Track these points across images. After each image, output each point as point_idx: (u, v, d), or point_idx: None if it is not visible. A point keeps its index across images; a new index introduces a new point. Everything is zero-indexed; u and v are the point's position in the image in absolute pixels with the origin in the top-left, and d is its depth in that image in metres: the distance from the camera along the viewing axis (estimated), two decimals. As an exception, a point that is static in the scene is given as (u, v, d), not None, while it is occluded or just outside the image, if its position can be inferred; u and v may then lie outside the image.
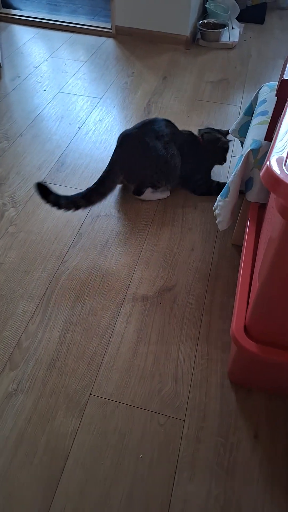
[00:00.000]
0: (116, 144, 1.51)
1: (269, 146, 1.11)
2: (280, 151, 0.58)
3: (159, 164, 1.46)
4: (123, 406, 1.04)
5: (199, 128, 1.65)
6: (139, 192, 1.55)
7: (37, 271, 1.33)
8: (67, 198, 1.38)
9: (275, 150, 0.57)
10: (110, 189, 1.47)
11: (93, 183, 1.42)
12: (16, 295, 1.26)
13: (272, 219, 0.78)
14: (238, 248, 1.43)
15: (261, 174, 0.56)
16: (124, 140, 1.47)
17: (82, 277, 1.32)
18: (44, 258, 1.37)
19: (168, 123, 1.53)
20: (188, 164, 1.56)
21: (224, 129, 1.65)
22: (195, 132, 1.63)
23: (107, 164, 1.46)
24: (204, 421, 1.02)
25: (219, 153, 1.59)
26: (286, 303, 0.77)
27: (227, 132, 1.61)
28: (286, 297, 0.76)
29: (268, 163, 0.54)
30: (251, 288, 0.96)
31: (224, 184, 1.61)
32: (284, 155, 0.57)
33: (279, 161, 0.54)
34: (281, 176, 0.51)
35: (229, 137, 1.62)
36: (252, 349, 0.86)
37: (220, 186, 1.60)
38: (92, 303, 1.25)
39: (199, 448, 0.97)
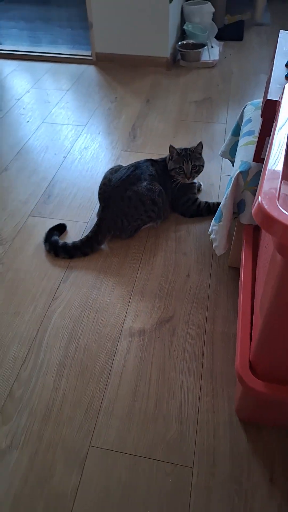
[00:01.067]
0: (99, 200, 1.50)
1: (258, 167, 1.07)
2: (271, 183, 0.53)
3: (147, 207, 1.43)
4: (126, 457, 0.96)
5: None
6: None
7: (27, 311, 1.27)
8: (51, 244, 1.43)
9: (265, 185, 0.52)
10: (93, 251, 1.44)
11: (81, 213, 1.39)
12: (6, 340, 1.19)
13: (268, 249, 0.73)
14: (235, 270, 1.38)
15: (252, 211, 0.51)
16: (107, 201, 1.44)
17: (75, 314, 1.26)
18: (34, 296, 1.31)
19: (149, 161, 1.51)
20: (172, 189, 1.53)
21: (213, 149, 1.61)
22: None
23: (94, 193, 1.43)
24: (214, 466, 0.94)
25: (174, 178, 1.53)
26: (292, 338, 0.71)
27: (194, 150, 1.52)
28: (291, 333, 0.70)
29: (259, 199, 0.50)
30: (253, 320, 0.90)
31: (214, 203, 1.57)
32: (276, 187, 0.52)
33: (271, 197, 0.49)
34: (275, 215, 0.46)
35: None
36: (259, 388, 0.80)
37: (209, 206, 1.56)
38: (87, 342, 1.18)
39: (211, 498, 0.89)
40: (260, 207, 0.48)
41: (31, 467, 0.95)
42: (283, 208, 0.51)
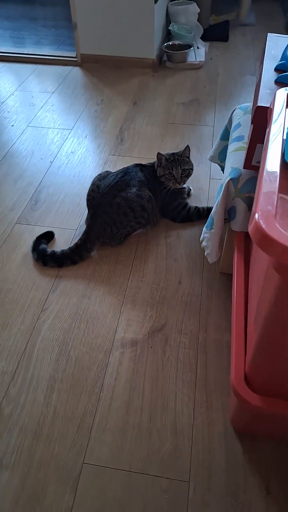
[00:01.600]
0: (87, 207, 1.48)
1: (249, 174, 1.06)
2: (268, 199, 0.51)
3: (136, 214, 1.40)
4: (121, 473, 0.94)
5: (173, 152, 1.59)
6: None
7: (15, 323, 1.23)
8: (39, 253, 1.40)
9: (262, 201, 0.50)
10: (82, 259, 1.41)
11: (69, 220, 1.36)
12: (-6, 354, 1.15)
13: (261, 260, 0.71)
14: (227, 276, 1.36)
15: (249, 229, 0.49)
16: (96, 208, 1.41)
17: (64, 325, 1.23)
18: (22, 307, 1.27)
19: (138, 167, 1.49)
20: (162, 195, 1.51)
21: (201, 152, 1.60)
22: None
23: (82, 198, 1.40)
24: (210, 480, 0.92)
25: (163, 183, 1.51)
26: (287, 352, 0.70)
27: (182, 154, 1.50)
28: (286, 348, 0.68)
29: (256, 217, 0.48)
30: (247, 332, 0.89)
31: (204, 208, 1.55)
32: (273, 203, 0.50)
33: (268, 215, 0.47)
34: (274, 236, 0.45)
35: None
36: (255, 402, 0.78)
37: (199, 211, 1.54)
38: (78, 354, 1.15)
39: (208, 514, 0.88)
40: (258, 227, 0.47)
41: (22, 487, 0.92)
42: (280, 225, 0.49)
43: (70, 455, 0.96)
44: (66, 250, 1.39)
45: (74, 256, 1.39)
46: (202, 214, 1.54)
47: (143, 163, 1.55)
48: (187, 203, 1.56)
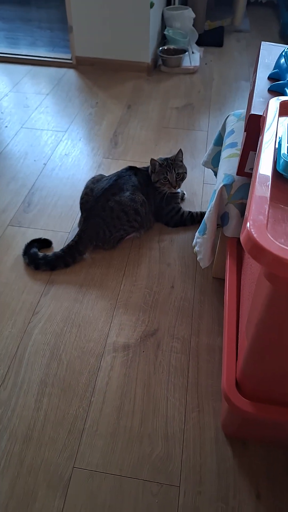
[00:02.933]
0: (80, 210, 1.48)
1: (242, 181, 1.07)
2: (260, 208, 0.52)
3: (130, 217, 1.41)
4: (111, 477, 0.94)
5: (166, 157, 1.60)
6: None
7: (6, 327, 1.22)
8: (30, 256, 1.39)
9: (254, 210, 0.50)
10: (75, 261, 1.41)
11: (62, 222, 1.35)
12: (-15, 358, 1.15)
13: (253, 266, 0.72)
14: (219, 281, 1.37)
15: (241, 238, 0.50)
16: (89, 212, 1.41)
17: (56, 329, 1.22)
18: (13, 311, 1.27)
19: (132, 170, 1.49)
20: (156, 199, 1.52)
21: (195, 157, 1.61)
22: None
23: (75, 201, 1.40)
24: (201, 485, 0.93)
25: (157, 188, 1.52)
26: (278, 360, 0.70)
27: (175, 159, 1.52)
28: (276, 355, 0.69)
29: (248, 226, 0.48)
30: (239, 337, 0.89)
31: (197, 213, 1.56)
32: (265, 213, 0.51)
33: (260, 224, 0.48)
34: (265, 245, 0.45)
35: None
36: (246, 408, 0.79)
37: (193, 215, 1.55)
38: (69, 359, 1.15)
39: (198, 519, 0.88)
40: (249, 236, 0.47)
41: (12, 492, 0.91)
42: (271, 234, 0.50)
43: (61, 459, 0.96)
44: (59, 251, 1.39)
45: (66, 258, 1.39)
46: (196, 219, 1.55)
47: (138, 166, 1.55)
48: (180, 208, 1.57)
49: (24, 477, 0.93)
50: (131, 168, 1.51)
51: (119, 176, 1.46)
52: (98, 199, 1.40)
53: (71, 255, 1.39)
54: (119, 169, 1.53)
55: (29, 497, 0.91)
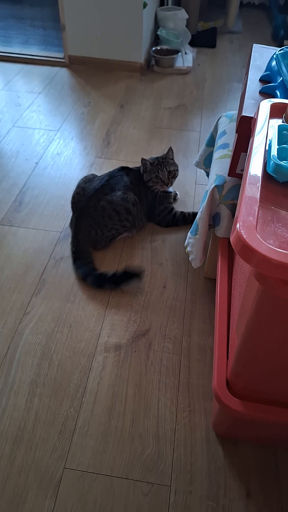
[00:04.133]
0: (72, 210, 1.48)
1: (233, 182, 1.08)
2: (249, 209, 0.53)
3: (121, 217, 1.41)
4: (102, 478, 0.93)
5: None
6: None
7: (-3, 327, 1.22)
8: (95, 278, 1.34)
9: (243, 211, 0.51)
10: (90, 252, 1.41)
11: (54, 222, 1.36)
12: (-25, 358, 1.14)
13: (244, 266, 0.72)
14: (211, 281, 1.38)
15: (231, 239, 0.50)
16: (81, 211, 1.41)
17: (47, 329, 1.22)
18: (4, 311, 1.26)
19: (124, 170, 1.49)
20: (148, 199, 1.52)
21: (187, 157, 1.61)
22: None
23: (67, 200, 1.40)
24: (191, 484, 0.93)
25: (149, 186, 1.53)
26: (268, 359, 0.71)
27: (166, 157, 1.52)
28: (267, 354, 0.70)
29: (237, 227, 0.49)
30: (230, 337, 0.90)
31: (189, 213, 1.56)
32: (254, 214, 0.52)
33: (249, 225, 0.48)
34: (254, 246, 0.46)
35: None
36: (236, 407, 0.79)
37: (185, 215, 1.56)
38: (61, 359, 1.15)
39: (188, 518, 0.88)
40: (239, 236, 0.48)
41: (2, 493, 0.91)
42: (261, 235, 0.50)
43: (51, 460, 0.96)
44: (85, 268, 1.36)
45: (93, 264, 1.39)
46: (188, 219, 1.56)
47: (130, 166, 1.55)
48: (173, 208, 1.57)
49: (15, 478, 0.93)
50: (123, 169, 1.51)
51: (111, 176, 1.46)
52: (89, 199, 1.40)
53: (86, 260, 1.39)
54: (111, 169, 1.54)
55: (19, 498, 0.90)
